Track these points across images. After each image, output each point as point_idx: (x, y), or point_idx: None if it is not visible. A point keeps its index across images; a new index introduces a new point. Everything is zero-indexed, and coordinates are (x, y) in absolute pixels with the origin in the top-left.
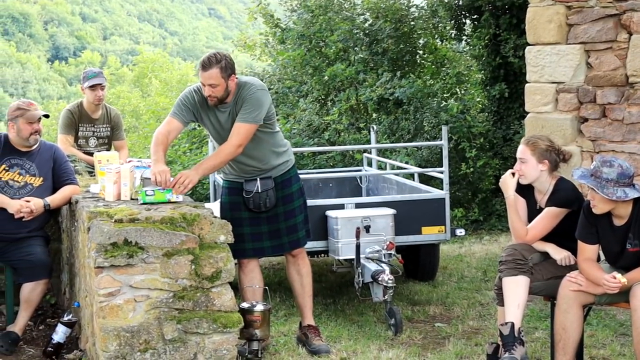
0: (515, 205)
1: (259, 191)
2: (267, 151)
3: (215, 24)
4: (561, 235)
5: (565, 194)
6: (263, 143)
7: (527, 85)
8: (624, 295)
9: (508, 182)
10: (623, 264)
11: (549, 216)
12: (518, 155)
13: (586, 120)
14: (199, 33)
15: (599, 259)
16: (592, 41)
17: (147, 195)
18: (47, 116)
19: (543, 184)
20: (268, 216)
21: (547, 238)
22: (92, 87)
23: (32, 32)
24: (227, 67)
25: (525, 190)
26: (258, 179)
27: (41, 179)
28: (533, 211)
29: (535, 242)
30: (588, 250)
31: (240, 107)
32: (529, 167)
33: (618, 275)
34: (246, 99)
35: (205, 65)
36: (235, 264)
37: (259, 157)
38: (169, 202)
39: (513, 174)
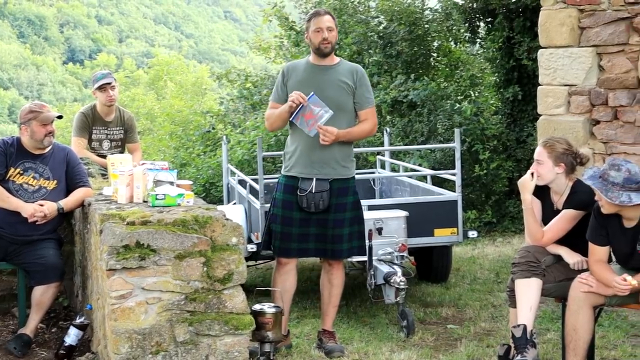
0: (532, 208)
1: (313, 191)
2: (349, 146)
3: (230, 26)
4: (575, 236)
5: (583, 197)
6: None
7: (539, 87)
8: (634, 296)
9: (526, 184)
10: (633, 265)
11: (566, 219)
12: (535, 156)
13: (598, 122)
14: (215, 36)
15: (610, 260)
16: (604, 44)
17: (157, 199)
18: (60, 117)
19: (560, 185)
20: (318, 219)
21: (561, 240)
22: (102, 88)
23: (48, 34)
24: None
25: (541, 192)
26: (315, 179)
27: (55, 182)
28: (549, 213)
29: (549, 245)
30: (598, 252)
31: (357, 85)
32: (545, 169)
33: (629, 278)
34: (365, 83)
35: (321, 12)
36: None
37: (344, 149)
38: (179, 205)
39: (532, 174)
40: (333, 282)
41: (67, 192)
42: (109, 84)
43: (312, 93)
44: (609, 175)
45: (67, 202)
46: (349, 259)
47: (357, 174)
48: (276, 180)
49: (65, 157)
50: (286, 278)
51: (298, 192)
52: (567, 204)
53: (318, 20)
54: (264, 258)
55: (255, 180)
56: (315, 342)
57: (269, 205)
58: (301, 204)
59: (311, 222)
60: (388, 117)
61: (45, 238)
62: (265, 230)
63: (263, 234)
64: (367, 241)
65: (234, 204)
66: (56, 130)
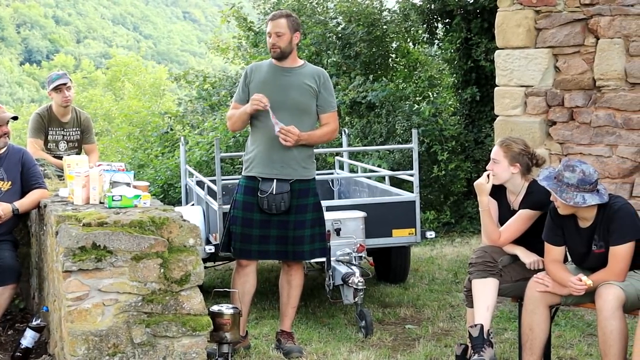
0: (489, 209)
1: (274, 193)
2: (310, 148)
3: (189, 27)
4: (531, 236)
5: (539, 197)
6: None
7: (496, 88)
8: (589, 296)
9: (483, 187)
10: (589, 265)
11: (522, 218)
12: (492, 155)
13: (554, 123)
14: (174, 36)
15: (566, 260)
16: (560, 45)
17: (113, 200)
18: (15, 118)
19: (515, 186)
20: (279, 220)
21: (517, 240)
22: (58, 89)
23: (4, 35)
24: (295, 22)
25: (497, 192)
26: (275, 180)
27: (9, 183)
28: (506, 213)
29: (506, 245)
30: (554, 252)
31: (321, 89)
32: (500, 169)
33: (584, 278)
34: (329, 87)
35: (274, 15)
36: (207, 266)
37: (304, 150)
38: (136, 207)
39: (488, 176)
40: (292, 283)
41: (22, 193)
42: (65, 84)
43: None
44: (563, 176)
45: (23, 204)
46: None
47: (316, 174)
48: (234, 181)
49: (20, 158)
50: (246, 280)
51: (259, 194)
52: (523, 204)
53: (270, 24)
54: (222, 259)
55: (213, 182)
56: (274, 343)
57: (227, 206)
58: (262, 205)
59: (272, 224)
60: (347, 118)
61: (1, 240)
62: (225, 231)
63: (222, 235)
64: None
65: (192, 205)
66: (12, 132)
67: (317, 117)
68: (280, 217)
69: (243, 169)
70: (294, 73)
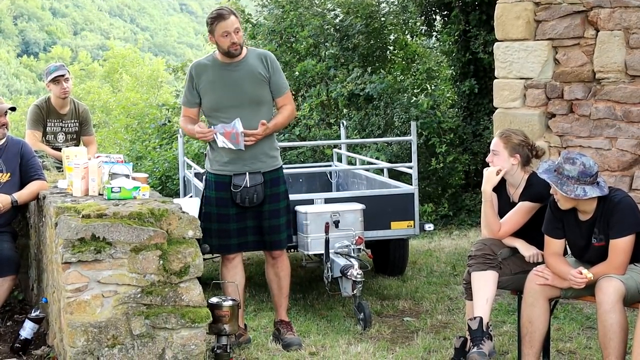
0: (492, 200)
1: (248, 186)
2: (273, 137)
3: (186, 19)
4: (530, 229)
5: (539, 189)
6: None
7: (495, 81)
8: (589, 289)
9: (491, 177)
10: (589, 258)
11: (522, 211)
12: (491, 147)
13: (554, 115)
14: (171, 28)
15: (565, 253)
16: (560, 37)
17: (112, 192)
18: (13, 109)
19: (515, 178)
20: (253, 212)
21: (517, 232)
22: (56, 81)
23: (2, 27)
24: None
25: (497, 185)
26: (247, 173)
27: (8, 174)
28: (505, 205)
29: (505, 238)
30: (554, 245)
31: (271, 73)
32: (500, 160)
33: (584, 271)
34: (277, 68)
35: (225, 14)
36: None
37: (269, 141)
38: (135, 198)
39: (498, 172)
40: (280, 274)
41: (21, 185)
42: (63, 76)
43: (214, 127)
44: (563, 169)
45: (21, 195)
46: (306, 252)
47: (314, 167)
48: None
49: (19, 150)
50: (235, 272)
51: (232, 188)
52: (523, 197)
53: (223, 24)
54: None
55: None
56: (272, 333)
57: None
58: (236, 199)
59: (247, 216)
60: (345, 111)
61: (0, 231)
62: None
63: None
64: (324, 234)
65: (190, 197)
66: (10, 123)
67: (273, 103)
68: (254, 208)
69: (209, 165)
70: (242, 66)
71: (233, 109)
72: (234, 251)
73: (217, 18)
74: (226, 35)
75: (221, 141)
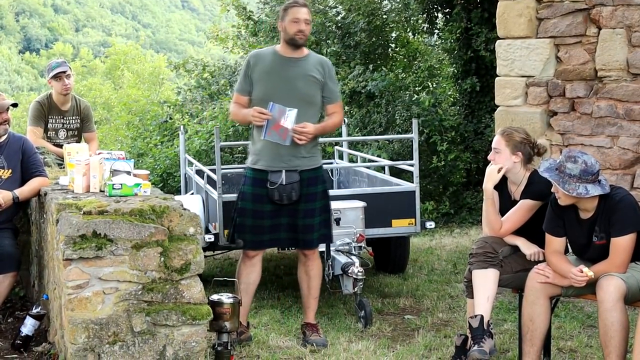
0: (493, 198)
1: (284, 183)
2: (316, 138)
3: (188, 16)
4: (532, 227)
5: (540, 187)
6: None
7: (497, 79)
8: (590, 287)
9: (493, 174)
10: (589, 257)
11: (523, 209)
12: (493, 145)
13: (555, 114)
14: (172, 25)
15: (566, 251)
16: (562, 35)
17: (114, 188)
18: (15, 105)
19: (517, 175)
20: (289, 209)
21: (518, 230)
22: (57, 77)
23: (3, 23)
24: None
25: (498, 183)
26: (284, 171)
27: (10, 171)
28: (507, 203)
29: (507, 236)
30: (555, 243)
31: (327, 79)
32: (502, 158)
33: (585, 269)
34: (333, 76)
35: (300, 3)
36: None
37: (311, 141)
38: (136, 195)
39: (499, 170)
40: (310, 273)
41: (23, 181)
42: (64, 72)
43: (271, 103)
44: (565, 167)
45: (23, 192)
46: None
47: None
48: (234, 170)
49: (20, 146)
50: (252, 270)
51: (268, 185)
52: (525, 195)
53: (296, 10)
54: (222, 248)
55: (213, 171)
56: (300, 336)
57: (227, 195)
58: (272, 196)
59: (282, 213)
60: (346, 108)
61: (1, 228)
62: (232, 223)
63: (230, 227)
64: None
65: (192, 194)
66: (12, 120)
67: (321, 108)
68: (290, 205)
69: (249, 160)
70: (300, 63)
71: (282, 103)
72: (265, 247)
73: (291, 5)
74: (295, 22)
75: (267, 133)
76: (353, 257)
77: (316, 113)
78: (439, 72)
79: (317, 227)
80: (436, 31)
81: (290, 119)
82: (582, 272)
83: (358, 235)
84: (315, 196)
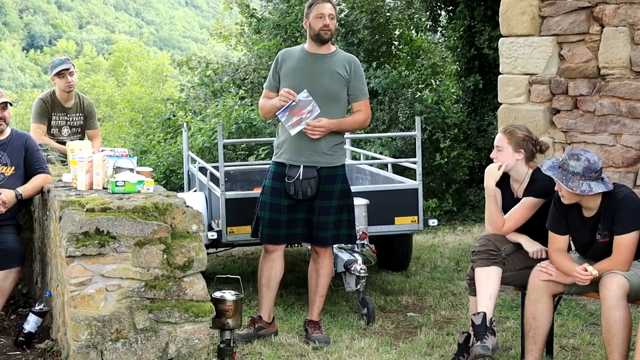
0: (495, 195)
1: (301, 178)
2: (339, 136)
3: (192, 13)
4: (534, 225)
5: (543, 184)
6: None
7: (500, 76)
8: (593, 285)
9: (492, 172)
10: (593, 255)
11: (526, 206)
12: (495, 143)
13: (558, 111)
14: (176, 22)
15: (569, 249)
16: (565, 33)
17: (117, 185)
18: (9, 104)
19: (519, 173)
20: (305, 205)
21: (521, 228)
22: (61, 74)
23: (7, 20)
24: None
25: (501, 180)
26: (302, 166)
27: (13, 168)
28: (510, 201)
29: (509, 233)
30: (558, 241)
31: (352, 77)
32: (504, 156)
33: (589, 268)
34: (360, 74)
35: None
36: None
37: (333, 138)
38: (139, 192)
39: (499, 167)
40: (320, 271)
41: (26, 178)
42: (68, 69)
43: (306, 91)
44: (568, 165)
45: (26, 189)
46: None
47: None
48: (237, 167)
49: (24, 143)
50: (272, 265)
51: (286, 179)
52: (527, 192)
53: (320, 6)
54: (225, 245)
55: (216, 168)
56: (302, 333)
57: (230, 193)
58: (289, 190)
59: (299, 208)
60: None
61: (4, 224)
62: (255, 217)
63: (253, 221)
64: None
65: (195, 191)
66: (14, 117)
67: (347, 105)
68: (307, 201)
69: (273, 154)
70: (326, 60)
71: None
72: (282, 242)
73: (315, 0)
74: (320, 17)
75: (283, 113)
76: (356, 255)
77: (341, 110)
78: (442, 69)
79: (332, 225)
80: (439, 29)
81: (311, 115)
82: (586, 270)
83: (361, 232)
84: (332, 194)
